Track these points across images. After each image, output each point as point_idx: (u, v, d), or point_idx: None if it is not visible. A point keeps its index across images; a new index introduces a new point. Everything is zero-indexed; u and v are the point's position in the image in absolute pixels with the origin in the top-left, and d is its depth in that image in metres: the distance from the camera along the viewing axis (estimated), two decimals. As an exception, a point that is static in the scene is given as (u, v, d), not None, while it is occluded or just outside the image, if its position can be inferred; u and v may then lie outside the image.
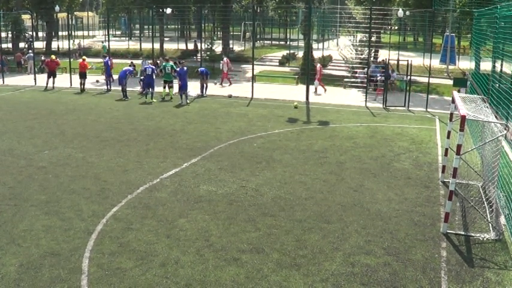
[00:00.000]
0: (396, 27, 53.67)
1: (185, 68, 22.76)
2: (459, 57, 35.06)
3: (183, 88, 22.32)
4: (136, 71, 28.44)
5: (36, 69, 29.92)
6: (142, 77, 24.04)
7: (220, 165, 13.17)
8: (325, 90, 25.59)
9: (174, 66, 23.71)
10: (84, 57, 26.37)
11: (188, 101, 22.02)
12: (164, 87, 23.66)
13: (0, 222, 9.52)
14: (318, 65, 25.75)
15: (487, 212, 9.98)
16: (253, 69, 25.75)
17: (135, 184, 11.67)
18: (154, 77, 23.05)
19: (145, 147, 14.90)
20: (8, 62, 32.92)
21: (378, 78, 25.59)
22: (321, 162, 13.59)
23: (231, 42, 41.90)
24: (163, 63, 24.14)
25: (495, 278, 7.83)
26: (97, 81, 28.18)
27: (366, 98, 23.04)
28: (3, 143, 15.15)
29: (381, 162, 13.68)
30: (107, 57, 26.00)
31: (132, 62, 27.82)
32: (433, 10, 29.99)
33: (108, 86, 25.30)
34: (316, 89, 25.42)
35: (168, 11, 39.38)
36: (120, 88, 23.30)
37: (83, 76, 25.05)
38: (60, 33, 51.54)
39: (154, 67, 23.76)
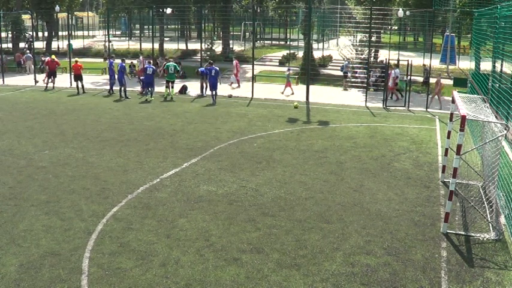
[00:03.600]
0: (396, 27, 53.62)
1: (210, 67, 22.94)
2: (459, 57, 35.05)
3: (213, 88, 22.67)
4: (136, 71, 28.40)
5: (35, 69, 29.89)
6: (142, 78, 24.09)
7: (220, 165, 13.17)
8: (238, 86, 27.42)
9: (178, 67, 23.87)
10: (76, 58, 26.22)
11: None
12: (167, 87, 23.71)
13: (0, 222, 9.52)
14: (235, 61, 28.13)
15: (487, 212, 9.98)
16: (253, 69, 25.74)
17: (135, 184, 11.67)
18: (153, 76, 23.30)
19: (145, 147, 14.90)
20: (6, 61, 32.97)
21: (349, 75, 27.11)
22: (321, 162, 13.58)
23: (231, 42, 41.89)
24: (167, 64, 24.20)
25: (495, 278, 7.83)
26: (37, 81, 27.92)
27: (366, 98, 23.08)
28: (3, 143, 15.15)
29: (381, 162, 13.67)
30: (111, 59, 25.57)
31: (125, 61, 27.16)
32: (433, 10, 29.98)
33: (111, 88, 24.94)
34: (232, 83, 27.50)
35: (168, 11, 39.36)
36: (120, 88, 23.31)
37: (78, 78, 24.86)
38: (60, 33, 51.54)
39: (154, 67, 23.78)
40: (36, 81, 27.62)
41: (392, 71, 23.84)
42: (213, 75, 22.78)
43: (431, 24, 33.51)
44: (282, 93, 25.21)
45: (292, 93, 25.09)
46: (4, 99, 23.04)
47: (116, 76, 23.59)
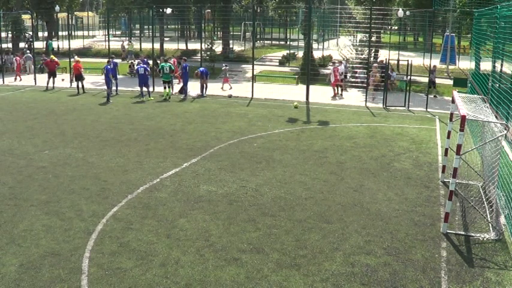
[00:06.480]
0: (396, 27, 53.62)
1: (185, 64, 24.68)
2: (459, 57, 35.06)
3: (186, 84, 24.37)
4: (134, 73, 28.40)
5: (35, 68, 29.90)
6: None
7: (220, 165, 13.17)
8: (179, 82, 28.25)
9: (172, 67, 23.98)
10: (77, 58, 26.15)
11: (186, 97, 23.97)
12: (164, 88, 23.73)
13: (0, 222, 9.53)
14: (173, 59, 28.71)
15: (487, 212, 9.98)
16: (253, 69, 25.74)
17: (135, 184, 11.67)
18: (147, 75, 23.72)
19: (145, 147, 14.90)
20: (12, 62, 33.06)
21: (348, 76, 27.13)
22: (321, 162, 13.59)
23: (231, 42, 41.88)
24: (161, 64, 24.28)
25: (495, 278, 7.83)
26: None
27: (366, 98, 23.09)
28: (3, 143, 15.15)
29: (380, 162, 13.67)
30: (110, 63, 25.20)
31: (112, 60, 26.62)
32: (433, 10, 29.97)
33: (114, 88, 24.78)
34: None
35: (168, 11, 39.36)
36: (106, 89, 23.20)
37: (79, 78, 24.81)
38: (60, 33, 51.50)
39: (146, 66, 23.82)
40: (16, 79, 28.95)
41: (333, 68, 24.51)
42: (188, 72, 24.46)
43: (431, 24, 33.53)
44: (222, 88, 26.14)
45: (231, 88, 25.82)
46: (4, 99, 23.05)
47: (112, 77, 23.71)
